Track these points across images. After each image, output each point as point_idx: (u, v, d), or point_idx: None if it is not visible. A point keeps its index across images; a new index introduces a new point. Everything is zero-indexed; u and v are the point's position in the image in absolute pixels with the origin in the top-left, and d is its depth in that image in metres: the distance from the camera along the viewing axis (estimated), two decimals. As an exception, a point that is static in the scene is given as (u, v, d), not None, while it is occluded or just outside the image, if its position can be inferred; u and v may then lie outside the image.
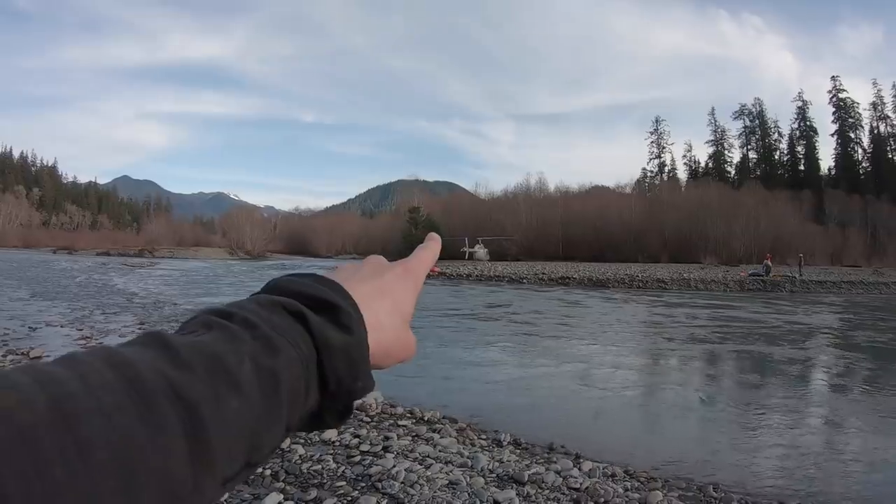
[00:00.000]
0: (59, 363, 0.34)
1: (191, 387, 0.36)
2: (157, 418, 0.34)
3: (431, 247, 0.64)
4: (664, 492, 5.26)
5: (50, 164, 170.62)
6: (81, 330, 13.30)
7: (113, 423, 0.32)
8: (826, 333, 17.12)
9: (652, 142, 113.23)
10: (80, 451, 0.30)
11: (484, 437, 6.89)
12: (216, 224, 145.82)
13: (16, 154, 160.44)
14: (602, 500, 4.85)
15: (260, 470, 4.85)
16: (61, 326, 13.81)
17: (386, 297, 0.54)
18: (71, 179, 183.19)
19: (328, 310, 0.46)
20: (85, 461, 0.30)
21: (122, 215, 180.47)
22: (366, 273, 0.56)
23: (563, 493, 5.00)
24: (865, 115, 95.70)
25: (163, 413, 0.34)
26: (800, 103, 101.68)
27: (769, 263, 39.49)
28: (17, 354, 9.78)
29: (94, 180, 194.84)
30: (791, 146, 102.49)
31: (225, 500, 4.19)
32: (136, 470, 0.32)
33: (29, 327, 13.31)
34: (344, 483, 4.74)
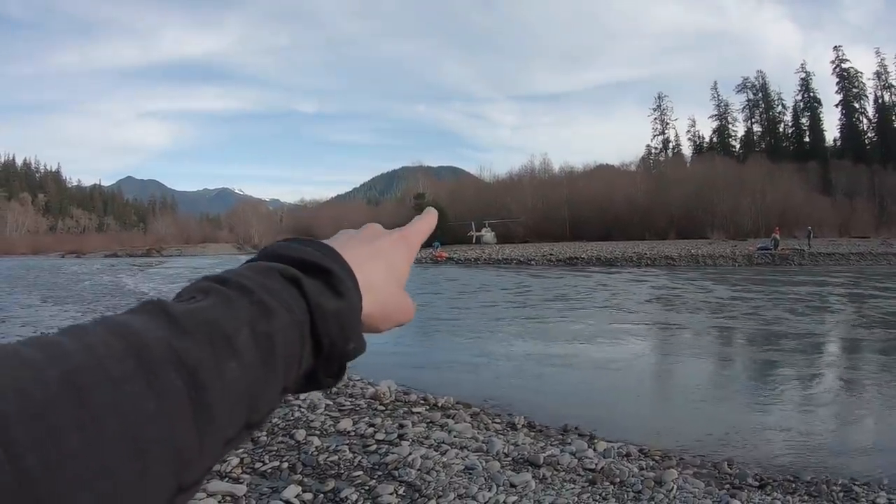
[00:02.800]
0: (66, 334, 0.36)
1: (192, 354, 0.38)
2: (163, 386, 0.35)
3: (428, 218, 0.67)
4: (679, 469, 5.28)
5: (53, 170, 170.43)
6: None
7: (122, 393, 0.33)
8: (836, 307, 17.08)
9: (655, 118, 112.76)
10: (92, 421, 0.32)
11: (498, 420, 6.92)
12: (222, 220, 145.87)
13: (19, 161, 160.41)
14: (617, 479, 4.87)
15: (277, 463, 4.90)
16: (74, 330, 13.84)
17: (380, 261, 0.56)
18: (75, 183, 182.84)
19: (322, 274, 0.48)
20: (97, 430, 0.32)
21: (129, 216, 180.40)
22: (363, 237, 0.58)
23: (579, 474, 5.03)
24: (869, 85, 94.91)
25: (168, 380, 0.36)
26: (803, 74, 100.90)
27: (777, 237, 39.31)
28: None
29: (98, 183, 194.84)
30: (795, 118, 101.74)
31: (244, 495, 4.24)
32: (146, 436, 0.33)
33: (41, 333, 13.24)
34: (361, 472, 4.77)
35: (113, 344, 0.35)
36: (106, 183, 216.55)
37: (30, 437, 0.29)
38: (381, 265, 0.56)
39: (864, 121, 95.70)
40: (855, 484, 5.08)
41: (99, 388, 0.33)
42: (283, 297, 0.45)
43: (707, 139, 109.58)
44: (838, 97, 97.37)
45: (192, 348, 0.38)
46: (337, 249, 0.51)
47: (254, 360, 0.41)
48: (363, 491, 4.40)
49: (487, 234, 69.80)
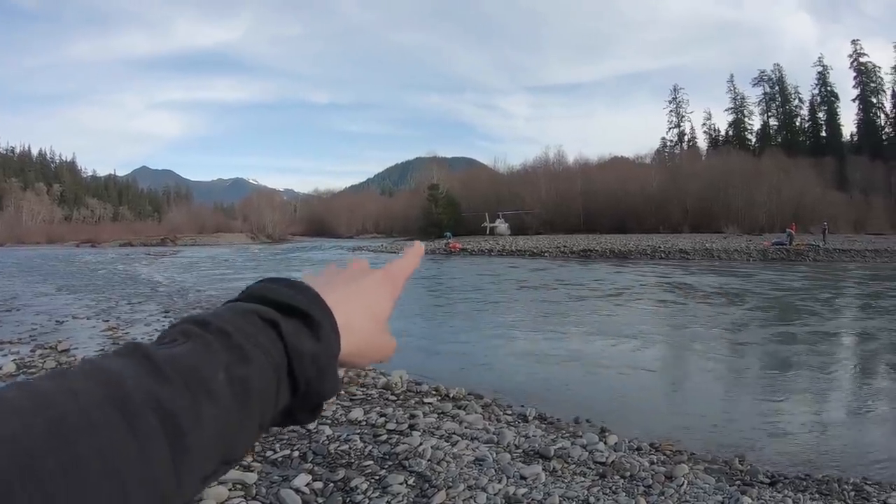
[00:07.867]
0: (52, 380, 0.38)
1: (172, 399, 0.40)
2: (144, 430, 0.38)
3: (413, 252, 0.69)
4: (690, 465, 5.27)
5: (69, 160, 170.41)
6: (108, 321, 13.51)
7: (104, 438, 0.36)
8: (851, 304, 16.94)
9: (671, 111, 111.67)
10: (77, 466, 0.34)
11: (509, 412, 6.93)
12: (236, 209, 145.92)
13: (34, 151, 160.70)
14: (628, 473, 4.86)
15: (288, 452, 4.92)
16: (87, 319, 14.02)
17: (361, 301, 0.58)
18: (90, 173, 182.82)
19: (301, 317, 0.50)
20: (82, 474, 0.34)
21: (143, 206, 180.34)
22: (345, 277, 0.61)
23: (589, 468, 5.03)
24: (887, 80, 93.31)
25: (148, 425, 0.38)
26: (820, 68, 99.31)
27: (792, 232, 39.02)
28: (45, 349, 9.97)
29: (113, 173, 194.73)
30: (812, 112, 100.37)
31: (254, 483, 4.26)
32: (127, 477, 0.36)
33: (56, 321, 13.50)
34: (371, 462, 4.79)
35: (95, 390, 0.38)
36: (121, 173, 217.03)
37: (21, 482, 0.32)
38: (361, 305, 0.58)
39: (882, 116, 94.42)
40: (867, 483, 5.05)
41: (81, 435, 0.35)
42: (261, 340, 0.47)
43: (723, 132, 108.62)
44: (856, 92, 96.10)
45: (171, 394, 0.40)
46: (318, 291, 0.53)
47: (230, 402, 0.44)
48: (373, 480, 4.41)
49: (501, 226, 69.94)
